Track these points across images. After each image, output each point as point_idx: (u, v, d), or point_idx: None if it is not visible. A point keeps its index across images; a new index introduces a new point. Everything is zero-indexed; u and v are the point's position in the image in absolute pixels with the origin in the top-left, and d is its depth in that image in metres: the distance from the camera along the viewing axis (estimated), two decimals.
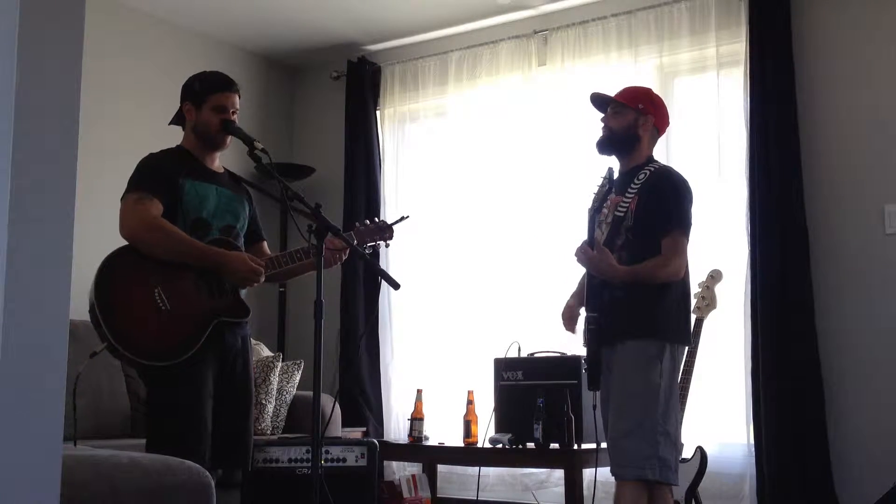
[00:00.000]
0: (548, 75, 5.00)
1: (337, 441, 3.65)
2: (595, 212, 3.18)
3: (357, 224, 3.28)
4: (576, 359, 4.12)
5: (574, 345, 4.36)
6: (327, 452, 3.46)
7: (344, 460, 3.49)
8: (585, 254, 3.11)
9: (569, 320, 3.37)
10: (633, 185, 3.17)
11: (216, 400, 2.96)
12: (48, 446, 1.55)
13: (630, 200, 3.15)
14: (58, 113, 1.58)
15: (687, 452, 3.82)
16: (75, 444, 2.62)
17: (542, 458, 4.13)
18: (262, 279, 3.06)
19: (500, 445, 4.08)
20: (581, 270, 3.39)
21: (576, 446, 3.95)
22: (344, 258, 3.16)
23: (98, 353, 2.81)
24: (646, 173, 3.19)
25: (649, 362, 3.04)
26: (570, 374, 4.06)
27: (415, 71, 5.46)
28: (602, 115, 3.31)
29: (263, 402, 4.49)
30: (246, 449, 3.06)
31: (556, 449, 3.99)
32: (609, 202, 3.21)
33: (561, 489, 4.20)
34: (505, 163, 5.09)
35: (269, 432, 4.48)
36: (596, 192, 3.18)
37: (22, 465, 1.50)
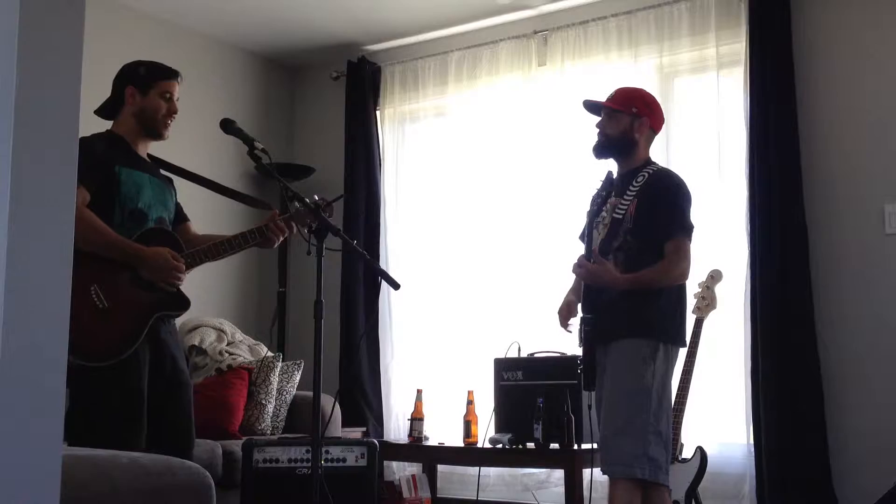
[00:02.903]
0: (548, 75, 5.00)
1: (337, 441, 3.65)
2: (594, 216, 3.19)
3: (297, 205, 3.09)
4: (576, 359, 4.11)
5: (574, 345, 4.37)
6: (327, 452, 3.46)
7: (344, 460, 3.49)
8: (584, 267, 3.12)
9: (565, 318, 3.37)
10: (631, 188, 3.17)
11: (155, 393, 2.91)
12: (48, 446, 1.54)
13: (629, 203, 3.15)
14: (58, 113, 1.58)
15: (687, 452, 3.82)
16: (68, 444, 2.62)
17: (542, 458, 4.13)
18: (183, 277, 2.96)
19: (500, 445, 4.08)
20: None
21: (576, 446, 3.95)
22: (280, 240, 3.08)
23: None
24: (644, 175, 3.19)
25: (642, 361, 3.05)
26: (569, 374, 4.06)
27: (415, 71, 5.46)
28: (597, 118, 3.31)
29: (263, 402, 4.49)
30: (190, 438, 3.03)
31: (556, 449, 3.99)
32: (608, 204, 3.22)
33: (561, 489, 4.20)
34: (505, 163, 5.09)
35: (269, 432, 4.48)
36: (595, 195, 3.19)
37: (22, 465, 1.49)
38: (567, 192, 4.83)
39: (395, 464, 5.00)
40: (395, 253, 5.39)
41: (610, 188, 3.16)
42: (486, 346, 4.70)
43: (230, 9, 5.17)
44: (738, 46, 4.46)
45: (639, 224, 3.12)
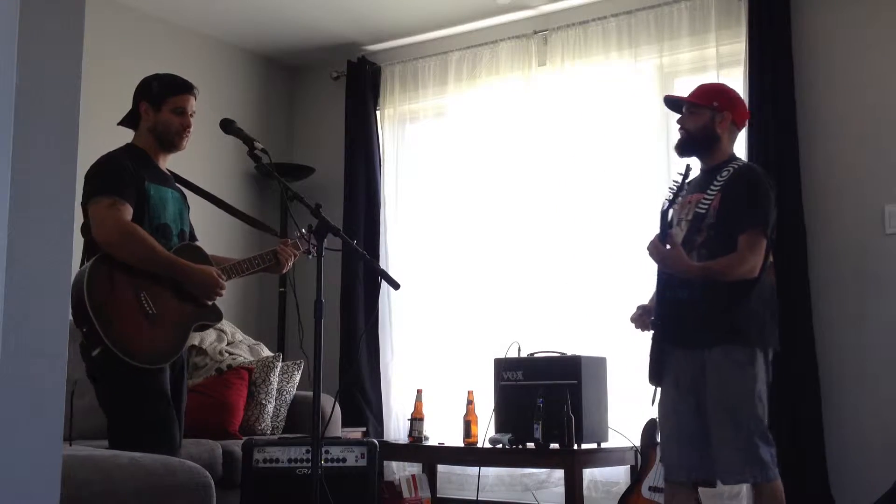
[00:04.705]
0: (548, 75, 5.00)
1: (337, 441, 3.65)
2: (668, 207, 3.17)
3: (302, 230, 3.30)
4: (576, 359, 4.12)
5: (575, 345, 4.37)
6: (327, 452, 3.46)
7: (344, 460, 3.48)
8: (656, 248, 3.11)
9: (639, 318, 3.34)
10: (715, 183, 3.15)
11: (174, 400, 3.03)
12: (48, 446, 1.55)
13: (712, 198, 3.13)
14: (58, 113, 1.58)
15: None
16: (70, 444, 2.63)
17: (542, 458, 4.14)
18: (223, 293, 3.08)
19: (500, 445, 4.09)
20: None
21: (576, 446, 3.95)
22: (289, 265, 3.26)
23: (95, 356, 2.79)
24: (728, 171, 3.17)
25: (739, 367, 3.04)
26: (570, 374, 4.06)
27: (415, 71, 5.46)
28: (678, 116, 3.31)
29: (263, 402, 4.49)
30: (179, 440, 3.10)
31: (556, 449, 3.99)
32: (689, 199, 3.20)
33: (561, 489, 4.20)
34: (505, 163, 5.08)
35: (269, 432, 4.47)
36: (671, 187, 3.18)
37: (22, 465, 1.50)
38: (567, 192, 4.84)
39: (395, 464, 5.00)
40: (395, 253, 5.38)
41: (684, 181, 3.16)
42: (486, 346, 4.70)
43: (230, 9, 5.17)
44: (738, 46, 4.45)
45: (721, 219, 3.10)
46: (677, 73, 4.73)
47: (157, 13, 5.19)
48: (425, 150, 5.49)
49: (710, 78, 4.54)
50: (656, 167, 4.59)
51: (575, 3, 4.95)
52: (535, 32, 5.05)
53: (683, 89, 4.70)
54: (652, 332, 3.22)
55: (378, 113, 5.56)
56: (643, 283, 4.41)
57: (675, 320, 3.13)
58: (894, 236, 4.09)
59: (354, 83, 5.57)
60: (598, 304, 4.64)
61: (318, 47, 5.69)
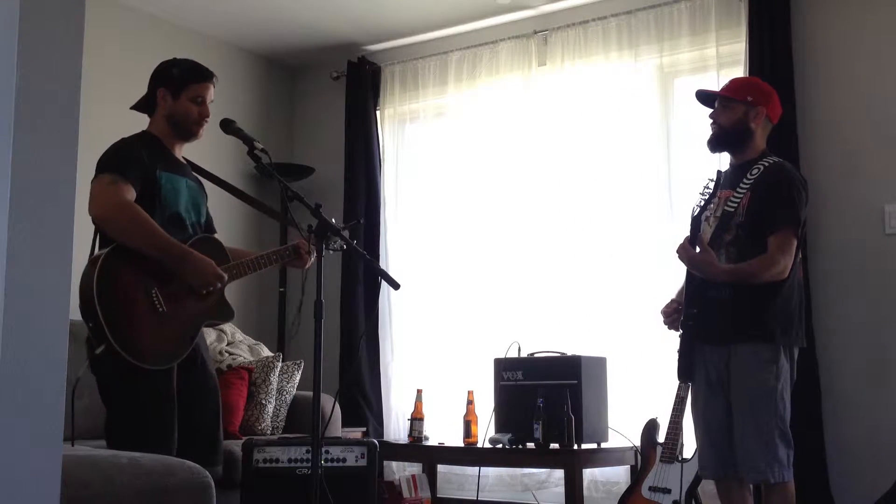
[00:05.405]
0: (548, 75, 5.00)
1: (337, 441, 3.65)
2: (699, 214, 3.14)
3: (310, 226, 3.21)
4: (576, 359, 4.12)
5: (577, 345, 4.37)
6: (327, 452, 3.46)
7: (344, 460, 3.48)
8: (686, 251, 3.08)
9: (669, 315, 3.31)
10: (745, 180, 3.10)
11: (187, 401, 2.92)
12: (48, 446, 1.55)
13: (742, 196, 3.08)
14: (58, 113, 1.59)
15: (687, 453, 3.81)
16: (73, 445, 2.62)
17: (542, 458, 4.14)
18: (221, 285, 2.97)
19: (500, 445, 4.09)
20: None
21: (576, 446, 3.95)
22: (312, 259, 3.14)
23: (98, 354, 2.70)
24: (759, 168, 3.12)
25: (764, 365, 3.03)
26: (570, 374, 4.07)
27: (415, 71, 5.46)
28: (710, 111, 3.27)
29: (263, 402, 4.49)
30: (215, 442, 3.04)
31: (556, 449, 3.99)
32: (719, 196, 3.15)
33: (561, 489, 4.20)
34: (505, 163, 5.08)
35: (269, 432, 4.47)
36: (702, 192, 3.14)
37: (22, 465, 1.50)
38: (567, 192, 4.83)
39: (395, 464, 5.00)
40: (395, 253, 5.39)
41: (717, 188, 3.13)
42: (486, 346, 4.70)
43: (230, 9, 5.17)
44: (738, 46, 4.45)
45: (750, 218, 3.06)
46: (677, 73, 4.73)
47: (158, 13, 5.19)
48: (425, 150, 5.49)
49: (710, 78, 4.55)
50: (656, 167, 4.60)
51: (575, 3, 4.95)
52: (535, 32, 5.05)
53: (683, 89, 4.74)
54: (680, 331, 3.20)
55: (378, 113, 5.57)
56: (643, 282, 4.44)
57: (704, 318, 3.11)
58: (894, 236, 4.09)
59: (354, 83, 5.57)
60: (598, 304, 4.64)
61: (318, 47, 5.69)
